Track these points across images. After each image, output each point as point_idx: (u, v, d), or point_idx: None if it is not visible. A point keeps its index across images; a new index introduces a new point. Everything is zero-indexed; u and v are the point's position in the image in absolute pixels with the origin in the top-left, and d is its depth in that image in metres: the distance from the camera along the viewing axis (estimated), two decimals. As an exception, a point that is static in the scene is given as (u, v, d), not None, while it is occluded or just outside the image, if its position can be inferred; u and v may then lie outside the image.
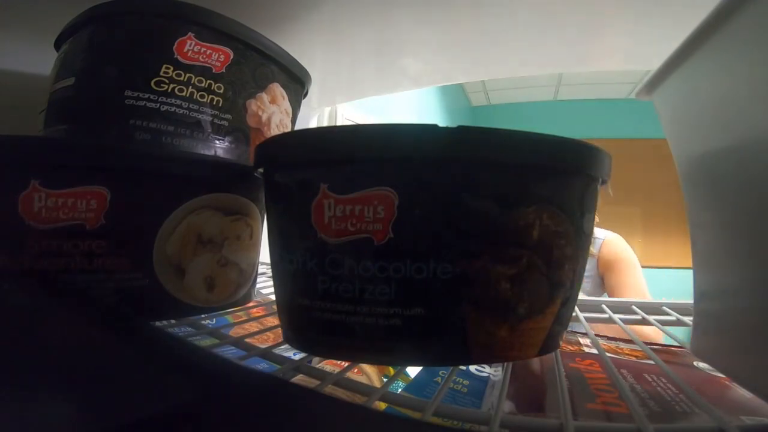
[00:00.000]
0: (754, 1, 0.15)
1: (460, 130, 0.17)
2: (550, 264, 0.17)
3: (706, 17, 0.18)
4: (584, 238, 0.19)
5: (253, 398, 0.12)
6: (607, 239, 0.86)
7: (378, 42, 0.48)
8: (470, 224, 0.17)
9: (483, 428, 0.16)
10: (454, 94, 2.86)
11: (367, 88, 0.67)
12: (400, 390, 0.29)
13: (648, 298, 0.55)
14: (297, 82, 0.36)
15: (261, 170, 0.23)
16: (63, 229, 0.22)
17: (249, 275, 0.32)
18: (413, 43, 0.49)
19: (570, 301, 0.19)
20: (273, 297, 0.40)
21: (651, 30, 0.42)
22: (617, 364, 0.23)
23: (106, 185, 0.23)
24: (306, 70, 0.37)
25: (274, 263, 0.21)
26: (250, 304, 0.34)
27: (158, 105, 0.26)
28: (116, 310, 0.23)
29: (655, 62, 0.23)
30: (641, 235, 3.20)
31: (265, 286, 0.45)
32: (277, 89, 0.33)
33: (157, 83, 0.26)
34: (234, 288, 0.30)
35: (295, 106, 0.37)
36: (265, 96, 0.32)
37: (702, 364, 0.25)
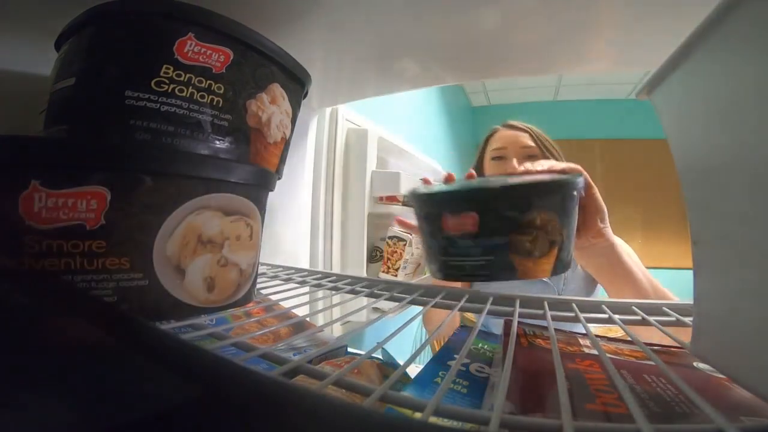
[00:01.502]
0: (753, 1, 0.15)
1: (505, 189, 0.36)
2: (547, 232, 0.36)
3: (705, 17, 0.18)
4: (566, 216, 0.37)
5: (253, 398, 0.12)
6: None
7: (378, 43, 0.48)
8: (510, 221, 0.35)
9: (483, 428, 0.16)
10: (454, 94, 2.86)
11: (367, 88, 0.67)
12: (400, 390, 0.29)
13: (653, 279, 0.54)
14: (297, 83, 0.37)
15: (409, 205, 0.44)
16: (63, 229, 0.22)
17: (249, 275, 0.32)
18: (413, 44, 0.49)
19: (563, 248, 0.38)
20: (273, 297, 0.40)
21: (649, 31, 0.42)
22: (617, 365, 0.23)
23: (106, 185, 0.23)
24: (306, 70, 0.37)
25: (425, 243, 0.41)
26: (250, 304, 0.34)
27: (158, 105, 0.26)
28: (116, 310, 0.23)
29: (653, 63, 0.23)
30: (641, 235, 3.20)
31: (265, 286, 0.45)
32: (277, 89, 0.33)
33: (158, 83, 0.26)
34: (234, 288, 0.30)
35: (295, 107, 0.37)
36: (265, 96, 0.32)
37: (702, 365, 0.25)
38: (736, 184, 0.18)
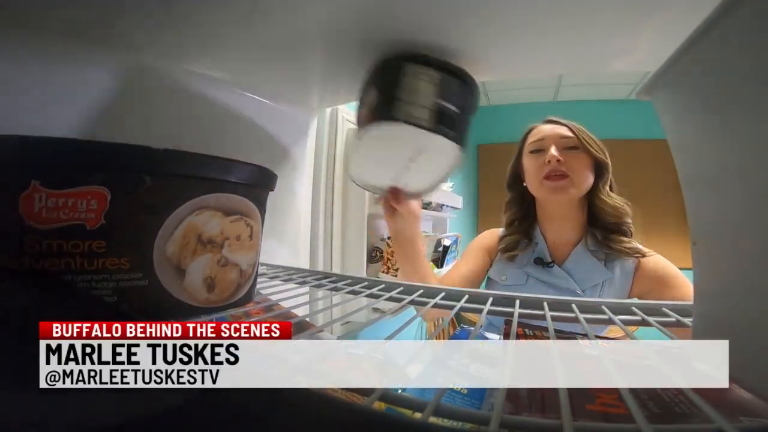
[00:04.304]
0: (753, 2, 0.15)
1: None
2: None
3: (705, 18, 0.18)
4: None
5: (253, 398, 0.12)
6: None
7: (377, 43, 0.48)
8: None
9: (483, 428, 0.16)
10: (454, 94, 2.86)
11: (368, 88, 0.67)
12: (400, 390, 0.29)
13: None
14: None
15: None
16: (63, 229, 0.22)
17: (249, 275, 0.32)
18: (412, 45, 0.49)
19: None
20: (273, 297, 0.40)
21: (650, 31, 0.42)
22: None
23: (106, 185, 0.23)
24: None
25: None
26: (250, 304, 0.34)
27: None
28: (116, 310, 0.23)
29: (654, 63, 0.23)
30: (641, 236, 3.19)
31: (265, 286, 0.45)
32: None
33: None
34: (234, 288, 0.30)
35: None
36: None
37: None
38: (735, 184, 0.18)
